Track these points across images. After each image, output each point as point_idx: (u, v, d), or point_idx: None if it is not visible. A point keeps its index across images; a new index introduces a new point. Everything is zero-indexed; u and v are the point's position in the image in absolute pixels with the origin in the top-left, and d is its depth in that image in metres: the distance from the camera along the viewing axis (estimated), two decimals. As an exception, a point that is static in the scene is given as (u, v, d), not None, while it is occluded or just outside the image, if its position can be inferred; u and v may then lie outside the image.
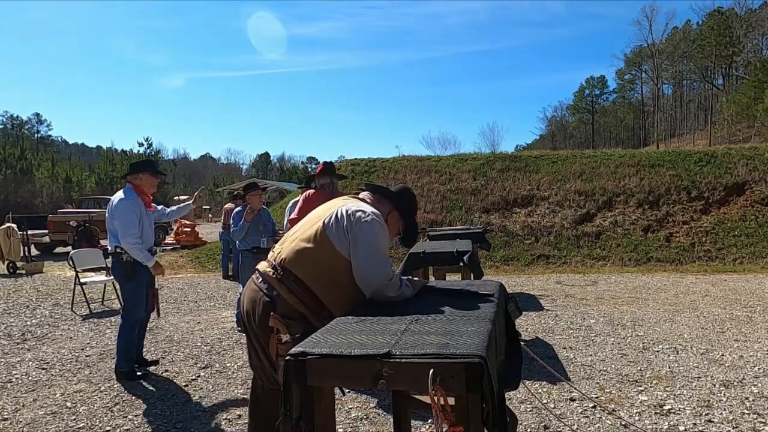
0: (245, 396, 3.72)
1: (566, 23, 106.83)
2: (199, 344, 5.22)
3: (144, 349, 4.61)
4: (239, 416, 3.41)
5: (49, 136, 69.23)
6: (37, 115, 69.31)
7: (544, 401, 3.50)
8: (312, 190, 4.61)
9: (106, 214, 4.25)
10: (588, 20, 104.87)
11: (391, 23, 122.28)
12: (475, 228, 8.14)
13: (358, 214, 2.02)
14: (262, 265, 2.15)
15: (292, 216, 4.45)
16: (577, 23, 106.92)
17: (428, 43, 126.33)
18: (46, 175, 35.54)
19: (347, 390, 3.65)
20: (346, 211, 2.03)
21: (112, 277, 7.76)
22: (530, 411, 3.36)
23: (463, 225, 11.55)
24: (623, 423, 3.14)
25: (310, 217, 2.19)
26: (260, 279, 2.10)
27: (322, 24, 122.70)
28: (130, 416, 3.44)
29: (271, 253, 2.19)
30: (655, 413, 3.29)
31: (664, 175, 13.11)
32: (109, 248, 4.23)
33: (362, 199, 2.22)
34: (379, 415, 3.36)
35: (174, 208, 4.84)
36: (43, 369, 4.48)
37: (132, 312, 4.21)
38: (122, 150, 46.10)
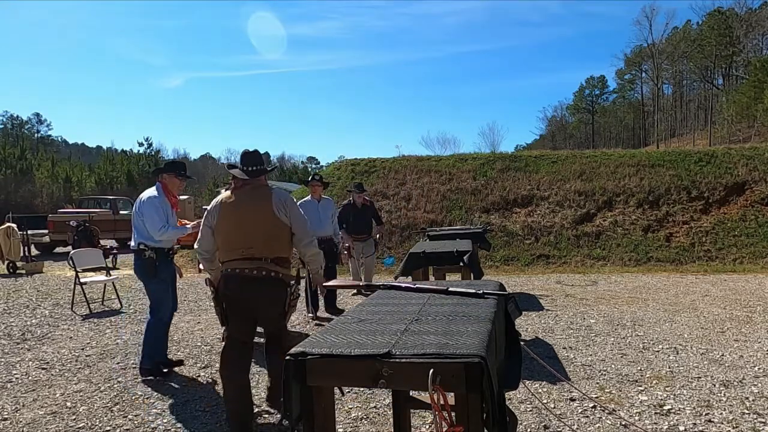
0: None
1: (566, 23, 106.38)
2: (199, 344, 5.22)
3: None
4: (239, 416, 3.40)
5: (49, 136, 69.01)
6: (37, 115, 68.99)
7: (544, 401, 3.50)
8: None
9: (133, 211, 4.26)
10: (588, 20, 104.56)
11: (388, 23, 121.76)
12: (475, 228, 8.15)
13: (288, 202, 3.11)
14: (244, 264, 3.00)
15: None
16: (577, 23, 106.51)
17: (427, 43, 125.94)
18: (46, 175, 35.43)
19: (347, 390, 3.65)
20: (282, 201, 3.07)
21: (112, 277, 7.80)
22: (530, 411, 3.36)
23: (463, 225, 11.55)
24: (623, 423, 3.14)
25: (248, 217, 3.02)
26: (255, 271, 2.99)
27: (321, 24, 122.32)
28: (130, 416, 3.44)
29: (240, 252, 3.00)
30: (655, 413, 3.29)
31: (664, 175, 13.11)
32: (133, 245, 4.19)
33: (265, 185, 3.18)
34: (379, 415, 3.36)
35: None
36: (43, 369, 4.48)
37: (159, 309, 4.20)
38: (122, 150, 45.93)
